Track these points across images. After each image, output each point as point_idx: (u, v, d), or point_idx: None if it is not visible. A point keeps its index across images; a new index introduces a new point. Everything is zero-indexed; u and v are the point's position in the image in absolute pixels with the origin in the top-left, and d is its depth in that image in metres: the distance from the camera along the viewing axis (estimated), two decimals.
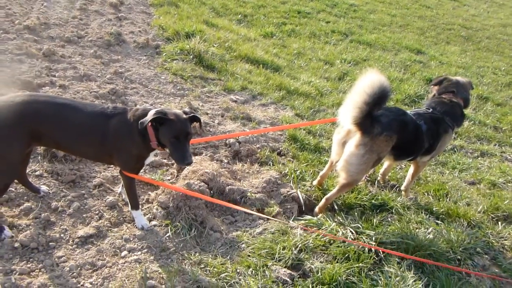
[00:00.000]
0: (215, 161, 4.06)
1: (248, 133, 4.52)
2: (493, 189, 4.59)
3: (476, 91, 7.45)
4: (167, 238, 3.10)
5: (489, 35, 12.21)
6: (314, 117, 5.53)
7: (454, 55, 9.70)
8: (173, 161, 3.94)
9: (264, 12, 9.98)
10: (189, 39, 6.62)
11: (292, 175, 4.00)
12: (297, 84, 6.30)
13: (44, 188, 3.29)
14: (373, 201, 3.84)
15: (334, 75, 7.09)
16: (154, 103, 4.85)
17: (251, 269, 2.91)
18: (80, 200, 3.31)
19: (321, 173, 3.98)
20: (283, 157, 4.45)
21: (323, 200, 3.64)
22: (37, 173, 3.45)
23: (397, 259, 3.13)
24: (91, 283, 2.67)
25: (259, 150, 4.38)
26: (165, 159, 4.03)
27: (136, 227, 3.16)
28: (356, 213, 3.63)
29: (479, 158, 5.37)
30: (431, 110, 3.68)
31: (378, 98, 3.04)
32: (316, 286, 2.85)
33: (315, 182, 3.99)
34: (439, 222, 3.74)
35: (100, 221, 3.17)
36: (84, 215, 3.20)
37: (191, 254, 2.99)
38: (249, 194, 3.66)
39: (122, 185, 3.32)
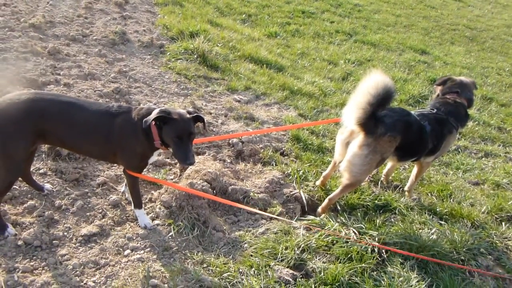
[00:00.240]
0: (218, 161, 4.06)
1: (251, 133, 4.52)
2: (497, 189, 4.57)
3: (481, 91, 7.42)
4: (170, 237, 3.11)
5: (493, 35, 12.15)
6: (317, 117, 5.52)
7: (459, 56, 9.66)
8: (176, 161, 3.95)
9: (269, 12, 9.97)
10: (193, 38, 6.62)
11: (295, 175, 4.00)
12: (300, 84, 6.30)
13: (48, 186, 3.30)
14: (376, 201, 3.83)
15: (338, 75, 7.07)
16: (158, 102, 4.86)
17: (253, 269, 2.91)
18: (84, 199, 3.33)
19: (324, 174, 3.97)
20: (286, 157, 4.45)
21: (326, 201, 3.63)
22: (41, 171, 3.47)
23: (400, 260, 3.12)
24: (94, 281, 2.68)
25: (262, 150, 4.38)
26: (168, 158, 4.04)
27: (139, 226, 3.17)
28: (359, 214, 3.62)
29: (483, 159, 5.35)
30: (435, 110, 3.66)
31: (382, 99, 3.03)
32: (319, 286, 2.84)
33: (318, 183, 3.99)
34: (442, 222, 3.72)
35: (104, 219, 3.18)
36: (88, 214, 3.21)
37: (194, 254, 2.99)
38: (251, 194, 3.66)
39: (126, 184, 3.33)
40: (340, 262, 3.06)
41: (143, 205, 3.24)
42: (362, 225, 3.41)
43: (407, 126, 3.37)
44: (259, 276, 2.85)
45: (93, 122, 2.82)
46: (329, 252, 3.16)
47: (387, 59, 8.38)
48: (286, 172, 4.08)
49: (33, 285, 2.55)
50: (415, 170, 4.04)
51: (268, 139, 4.60)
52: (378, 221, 3.54)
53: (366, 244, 3.18)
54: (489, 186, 4.63)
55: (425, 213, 3.81)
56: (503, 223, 3.92)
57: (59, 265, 2.74)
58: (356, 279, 2.92)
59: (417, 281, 2.93)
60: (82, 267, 2.76)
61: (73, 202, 3.26)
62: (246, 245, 3.15)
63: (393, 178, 4.42)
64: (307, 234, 3.29)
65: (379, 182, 4.27)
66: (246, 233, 3.28)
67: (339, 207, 3.74)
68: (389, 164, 4.19)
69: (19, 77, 4.42)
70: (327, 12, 11.09)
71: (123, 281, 2.69)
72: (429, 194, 4.27)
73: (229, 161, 4.16)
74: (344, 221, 3.47)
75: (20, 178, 3.15)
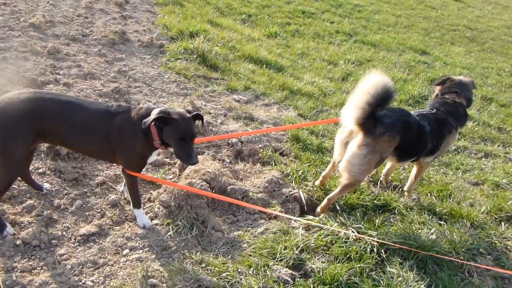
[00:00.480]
0: (217, 161, 4.06)
1: (251, 133, 4.52)
2: (496, 190, 4.57)
3: (481, 92, 7.42)
4: (169, 237, 3.11)
5: (493, 36, 12.16)
6: (317, 117, 5.52)
7: (459, 56, 9.66)
8: (176, 160, 3.95)
9: (269, 12, 9.97)
10: (193, 38, 6.62)
11: (294, 175, 4.00)
12: (300, 84, 6.29)
13: (47, 185, 3.30)
14: (375, 201, 3.83)
15: (337, 75, 7.07)
16: (157, 102, 4.86)
17: (252, 268, 2.91)
18: (83, 198, 3.32)
19: (323, 173, 3.97)
20: (285, 157, 4.45)
21: (325, 201, 3.63)
22: (40, 170, 3.47)
23: (399, 260, 3.12)
24: (92, 281, 2.68)
25: (262, 150, 4.38)
26: (167, 158, 4.04)
27: (138, 226, 3.17)
28: (358, 214, 3.61)
29: (483, 159, 5.35)
30: (435, 110, 3.66)
31: (381, 99, 3.03)
32: (318, 286, 2.84)
33: (317, 182, 3.99)
34: (442, 222, 3.72)
35: (102, 219, 3.18)
36: (86, 213, 3.21)
37: (193, 253, 2.99)
38: (251, 194, 3.66)
39: (124, 184, 3.33)
40: (339, 262, 3.05)
41: (142, 204, 3.24)
42: (361, 225, 3.40)
43: (407, 126, 3.37)
44: (257, 276, 2.85)
45: (92, 121, 2.82)
46: (328, 252, 3.16)
47: (387, 60, 8.38)
48: (285, 172, 4.07)
49: (31, 284, 2.54)
50: (414, 170, 4.03)
51: (267, 139, 4.60)
52: (377, 221, 3.54)
53: (366, 241, 3.18)
54: (488, 187, 4.62)
55: (424, 213, 3.81)
56: (503, 223, 3.92)
57: (57, 265, 2.74)
58: (355, 279, 2.92)
59: (416, 281, 2.93)
60: (80, 266, 2.76)
61: (72, 202, 3.26)
62: (245, 245, 3.15)
63: (392, 178, 4.41)
64: (306, 234, 3.29)
65: (379, 182, 4.26)
66: (245, 233, 3.27)
67: (338, 207, 3.74)
68: (388, 164, 4.19)
69: (18, 76, 4.43)
70: (327, 13, 11.09)
71: (122, 280, 2.69)
72: (429, 194, 4.26)
73: (228, 161, 4.16)
74: (343, 221, 3.46)
75: (19, 178, 3.15)
